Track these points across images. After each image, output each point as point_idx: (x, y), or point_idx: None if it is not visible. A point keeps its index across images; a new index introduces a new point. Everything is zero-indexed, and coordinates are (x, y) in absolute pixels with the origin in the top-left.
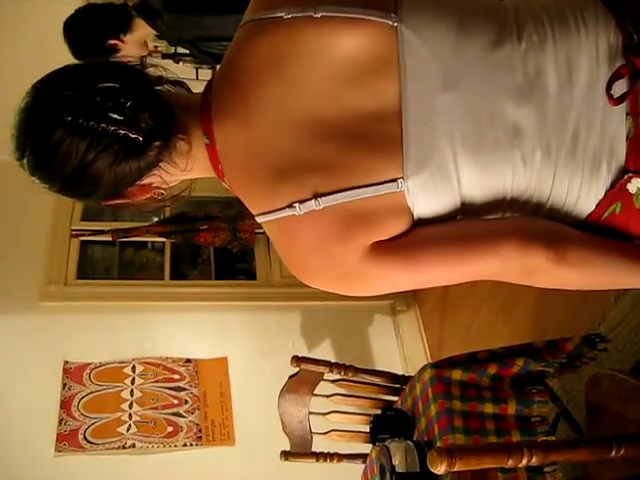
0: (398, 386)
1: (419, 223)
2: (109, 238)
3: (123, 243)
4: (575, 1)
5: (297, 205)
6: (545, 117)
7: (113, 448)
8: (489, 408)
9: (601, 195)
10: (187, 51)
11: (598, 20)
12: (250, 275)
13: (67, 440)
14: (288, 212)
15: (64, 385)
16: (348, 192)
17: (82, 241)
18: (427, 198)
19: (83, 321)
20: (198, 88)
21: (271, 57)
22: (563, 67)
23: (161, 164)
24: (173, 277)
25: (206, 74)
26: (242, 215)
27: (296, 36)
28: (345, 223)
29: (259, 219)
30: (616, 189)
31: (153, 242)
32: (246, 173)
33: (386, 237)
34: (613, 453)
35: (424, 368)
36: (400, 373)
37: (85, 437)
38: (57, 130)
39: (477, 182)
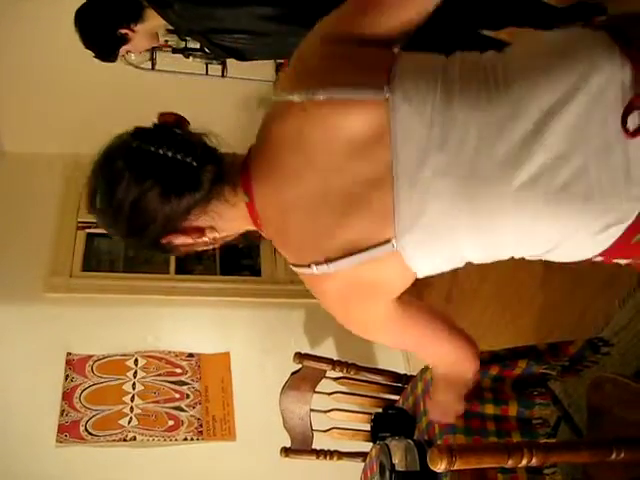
0: (400, 385)
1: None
2: None
3: None
4: (577, 36)
5: (314, 266)
6: (545, 163)
7: (114, 440)
8: (490, 409)
9: (628, 220)
10: (197, 45)
11: (603, 52)
12: (255, 271)
13: (68, 431)
14: (308, 270)
15: (66, 376)
16: (352, 257)
17: (88, 233)
18: (422, 255)
19: (87, 313)
20: (208, 84)
21: (290, 136)
22: (560, 111)
23: (211, 201)
24: (178, 271)
25: (216, 69)
26: None
27: (305, 116)
28: (355, 287)
29: (291, 267)
30: None
31: None
32: (277, 232)
33: (392, 296)
34: (613, 456)
35: (426, 368)
36: (402, 372)
37: (86, 429)
38: (119, 160)
39: (474, 238)
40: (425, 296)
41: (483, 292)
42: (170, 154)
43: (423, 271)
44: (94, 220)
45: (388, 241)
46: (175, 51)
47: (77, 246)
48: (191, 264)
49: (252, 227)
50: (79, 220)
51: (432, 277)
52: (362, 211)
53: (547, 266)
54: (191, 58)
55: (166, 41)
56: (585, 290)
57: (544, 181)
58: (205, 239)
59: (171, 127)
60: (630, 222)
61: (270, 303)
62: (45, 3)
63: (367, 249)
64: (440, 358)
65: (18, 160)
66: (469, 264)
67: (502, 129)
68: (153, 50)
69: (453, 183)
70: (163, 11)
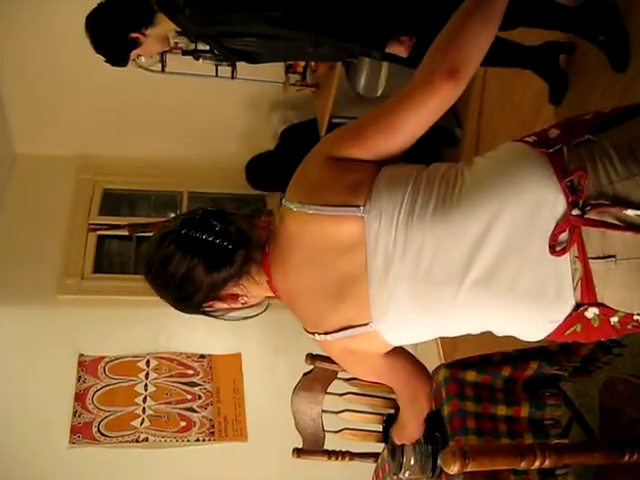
0: None
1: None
2: (126, 233)
3: (140, 238)
4: (523, 156)
5: (316, 335)
6: (489, 268)
7: (126, 441)
8: (502, 410)
9: (558, 320)
10: (207, 47)
11: (543, 176)
12: None
13: (81, 432)
14: (312, 336)
15: (79, 378)
16: (343, 332)
17: (99, 235)
18: (396, 334)
19: (99, 315)
20: (217, 85)
21: (292, 235)
22: (504, 221)
23: (243, 275)
24: None
25: (226, 71)
26: (259, 212)
27: (302, 224)
28: (348, 349)
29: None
30: (573, 317)
31: None
32: (289, 306)
33: (376, 356)
34: (626, 458)
35: (438, 368)
36: None
37: (99, 430)
38: (171, 245)
39: (436, 326)
40: None
41: None
42: (211, 239)
43: (399, 343)
44: (105, 222)
45: (367, 323)
46: (185, 53)
47: (88, 248)
48: None
49: (272, 294)
50: (90, 222)
51: None
52: (348, 299)
53: None
54: (201, 60)
55: (176, 43)
56: None
57: (485, 283)
58: (238, 305)
59: (210, 216)
60: (560, 322)
61: (281, 304)
62: (57, 6)
63: (353, 327)
64: (402, 392)
65: (30, 162)
66: None
67: (453, 242)
68: (163, 53)
69: (412, 287)
70: (174, 15)
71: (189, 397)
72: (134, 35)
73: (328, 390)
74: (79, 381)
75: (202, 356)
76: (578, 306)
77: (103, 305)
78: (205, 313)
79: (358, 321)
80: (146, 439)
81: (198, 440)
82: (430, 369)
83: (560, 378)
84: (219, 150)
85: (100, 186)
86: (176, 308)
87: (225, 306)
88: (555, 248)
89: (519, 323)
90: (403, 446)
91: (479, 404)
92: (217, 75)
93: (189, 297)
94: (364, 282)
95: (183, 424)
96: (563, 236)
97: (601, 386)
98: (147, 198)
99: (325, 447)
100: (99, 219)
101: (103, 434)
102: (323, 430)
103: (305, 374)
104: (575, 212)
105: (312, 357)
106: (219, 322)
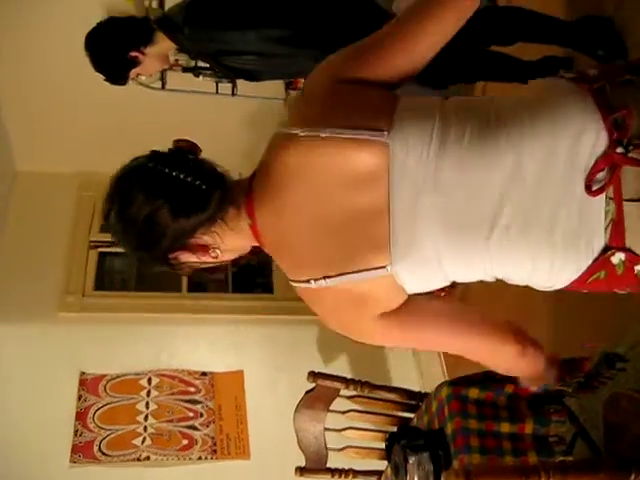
0: (414, 403)
1: (415, 295)
2: None
3: None
4: (562, 92)
5: (312, 281)
6: (524, 206)
7: (128, 460)
8: (506, 427)
9: (583, 267)
10: (207, 65)
11: (585, 112)
12: (267, 289)
13: (82, 451)
14: (305, 285)
15: (80, 396)
16: (350, 275)
17: (100, 252)
18: (414, 279)
19: (100, 332)
20: (218, 102)
21: (292, 167)
22: (541, 161)
23: (217, 221)
24: (190, 289)
25: (226, 88)
26: None
27: (309, 152)
28: (352, 299)
29: (290, 282)
30: (599, 262)
31: None
32: (277, 252)
33: (386, 310)
34: (632, 478)
35: (441, 386)
36: (416, 389)
37: (100, 449)
38: (135, 181)
39: (459, 268)
40: None
41: (495, 311)
42: (182, 176)
43: (413, 290)
44: (106, 239)
45: (383, 266)
46: (185, 70)
47: (89, 265)
48: (204, 282)
49: (255, 244)
50: (91, 239)
51: None
52: (360, 238)
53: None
54: (201, 77)
55: (176, 60)
56: (600, 305)
57: (520, 223)
58: (209, 258)
59: (185, 152)
60: (585, 268)
61: (283, 320)
62: (57, 24)
63: (363, 271)
64: (467, 354)
65: (30, 180)
66: (479, 283)
67: (488, 176)
68: (163, 70)
69: (441, 227)
70: (173, 34)
71: (191, 415)
72: (133, 54)
73: (330, 408)
74: (80, 400)
75: (204, 373)
76: (605, 250)
77: (104, 322)
78: (170, 266)
79: (371, 264)
80: (148, 458)
81: (200, 458)
82: (433, 384)
83: (564, 394)
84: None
85: (101, 203)
86: (138, 260)
87: (194, 259)
88: (592, 187)
89: (546, 269)
90: (406, 464)
91: (482, 422)
92: (217, 92)
93: (152, 245)
94: (384, 219)
95: (185, 442)
96: (600, 175)
97: (605, 402)
98: None
99: (328, 465)
100: (100, 236)
101: (104, 453)
102: (326, 448)
103: (307, 392)
104: (619, 150)
105: (314, 375)
106: (221, 339)
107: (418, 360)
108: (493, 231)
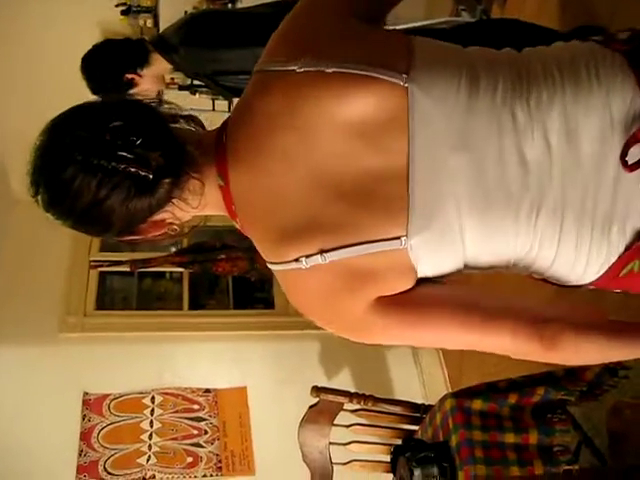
0: (418, 415)
1: (422, 281)
2: (127, 269)
3: (141, 273)
4: (592, 54)
5: (303, 259)
6: (551, 180)
7: (133, 479)
8: (510, 438)
9: (614, 257)
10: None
11: (615, 77)
12: (268, 304)
13: (87, 472)
14: (294, 265)
15: (84, 416)
16: (353, 248)
17: (101, 272)
18: (430, 256)
19: (102, 352)
20: (215, 120)
21: (283, 109)
22: (572, 129)
23: (173, 201)
24: (191, 307)
25: (223, 105)
26: None
27: (307, 90)
28: (349, 278)
29: (268, 265)
30: (633, 249)
31: (171, 272)
32: (257, 220)
33: (389, 293)
34: None
35: (444, 398)
36: (420, 402)
37: (105, 468)
38: (69, 168)
39: (481, 242)
40: None
41: None
42: (122, 168)
43: (424, 272)
44: (107, 258)
45: (397, 238)
46: (182, 88)
47: (90, 285)
48: (204, 299)
49: (222, 212)
50: (91, 259)
51: None
52: (369, 202)
53: (560, 289)
54: (197, 95)
55: (172, 78)
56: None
57: (551, 201)
58: (164, 234)
59: (128, 129)
60: (617, 259)
61: (285, 335)
62: (52, 49)
63: (370, 242)
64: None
65: (30, 207)
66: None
67: (521, 139)
68: (160, 90)
69: (469, 186)
70: (168, 55)
71: (195, 432)
72: (130, 76)
73: (335, 422)
74: (84, 420)
75: (207, 390)
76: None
77: (106, 342)
78: (119, 240)
79: (379, 234)
80: (153, 476)
81: (205, 476)
82: (436, 396)
83: (567, 403)
84: None
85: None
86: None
87: (149, 237)
88: (627, 162)
89: (576, 258)
90: (412, 477)
91: (486, 433)
92: (214, 109)
93: (95, 231)
94: (401, 179)
95: (190, 460)
96: (634, 150)
97: (608, 411)
98: None
99: (333, 479)
100: (100, 255)
101: (110, 473)
102: (331, 462)
103: (311, 407)
104: None
105: (317, 390)
106: (223, 356)
107: (420, 371)
108: (523, 201)
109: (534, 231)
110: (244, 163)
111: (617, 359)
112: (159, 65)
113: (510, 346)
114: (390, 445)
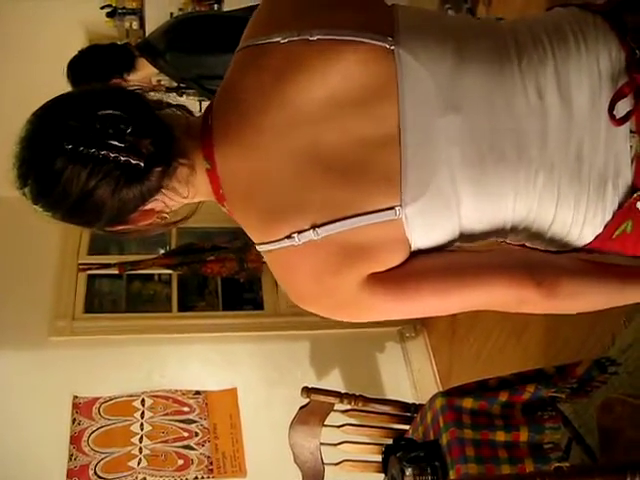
0: (409, 414)
1: (416, 253)
2: (116, 271)
3: (130, 276)
4: (575, 18)
5: (296, 236)
6: (547, 138)
7: None
8: (501, 436)
9: (609, 216)
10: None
11: (598, 36)
12: (257, 305)
13: (77, 476)
14: (287, 243)
15: (74, 420)
16: (346, 221)
17: (89, 275)
18: (425, 226)
19: (92, 355)
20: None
21: (269, 83)
22: (563, 87)
23: (163, 190)
24: (181, 309)
25: None
26: (249, 245)
27: (293, 60)
28: (342, 254)
29: (258, 247)
30: (625, 208)
31: (160, 274)
32: (246, 201)
33: (383, 269)
34: None
35: (435, 397)
36: (410, 401)
37: (96, 472)
38: (58, 159)
39: (477, 208)
40: (428, 320)
41: (487, 317)
42: (112, 157)
43: (418, 244)
44: (95, 261)
45: (391, 208)
46: (169, 90)
47: (79, 288)
48: (193, 300)
49: (211, 198)
50: (80, 262)
51: None
52: (361, 172)
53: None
54: (184, 96)
55: (159, 81)
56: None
57: (545, 165)
58: (153, 223)
59: (117, 117)
60: (610, 219)
61: (274, 336)
62: (39, 47)
63: (363, 214)
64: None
65: (14, 205)
66: None
67: (514, 98)
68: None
69: (463, 148)
70: (154, 60)
71: (186, 435)
72: (116, 81)
73: (325, 422)
74: (74, 423)
75: (197, 392)
76: (632, 191)
77: (96, 345)
78: (108, 232)
79: (372, 205)
80: (144, 479)
81: (197, 478)
82: (427, 395)
83: (558, 400)
84: None
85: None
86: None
87: (139, 225)
88: (615, 116)
89: (574, 218)
90: (403, 476)
91: (477, 431)
92: (201, 110)
93: (85, 221)
94: (392, 147)
95: (181, 462)
96: (622, 105)
97: (599, 407)
98: None
99: None
100: (88, 259)
101: (100, 477)
102: (322, 463)
103: (301, 407)
104: None
105: (308, 390)
106: (213, 357)
107: (411, 370)
108: (521, 162)
109: (533, 190)
110: (231, 142)
111: (618, 303)
112: (145, 70)
113: (508, 297)
114: (381, 445)
